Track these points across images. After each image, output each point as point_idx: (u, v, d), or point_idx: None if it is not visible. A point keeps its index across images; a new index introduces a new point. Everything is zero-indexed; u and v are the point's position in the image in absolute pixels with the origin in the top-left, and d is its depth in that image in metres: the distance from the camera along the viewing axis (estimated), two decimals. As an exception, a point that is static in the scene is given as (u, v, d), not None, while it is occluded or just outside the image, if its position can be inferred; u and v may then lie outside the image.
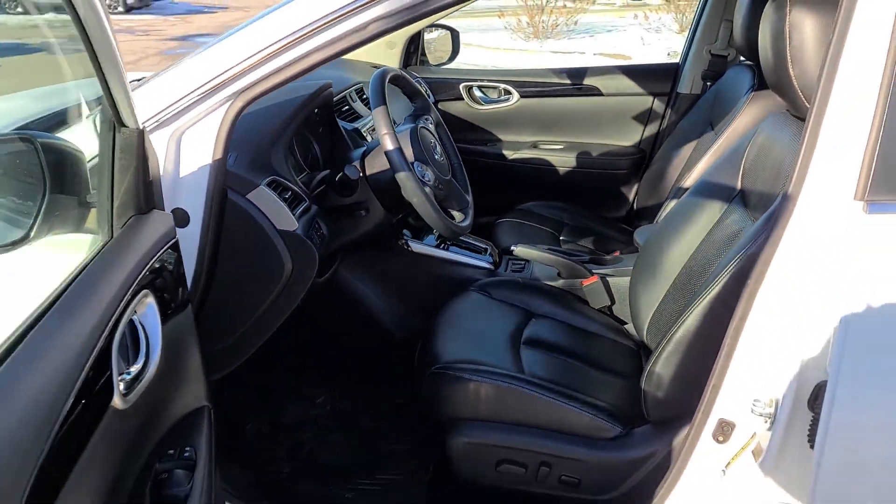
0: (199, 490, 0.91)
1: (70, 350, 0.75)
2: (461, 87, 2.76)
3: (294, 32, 1.24)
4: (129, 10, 19.68)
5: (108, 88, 0.98)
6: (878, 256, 1.06)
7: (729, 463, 1.28)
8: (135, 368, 0.90)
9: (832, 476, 1.11)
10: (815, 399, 1.13)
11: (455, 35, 2.93)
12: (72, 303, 0.81)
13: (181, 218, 1.28)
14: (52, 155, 1.06)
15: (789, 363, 1.14)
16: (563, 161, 2.74)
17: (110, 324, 0.83)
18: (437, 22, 2.86)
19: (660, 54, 9.76)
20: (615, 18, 14.04)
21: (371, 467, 1.79)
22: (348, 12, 1.23)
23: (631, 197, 2.72)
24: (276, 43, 1.24)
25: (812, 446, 1.11)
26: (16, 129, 1.34)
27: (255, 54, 1.24)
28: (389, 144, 1.56)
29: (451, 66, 2.99)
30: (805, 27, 1.31)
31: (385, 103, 1.59)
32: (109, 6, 19.19)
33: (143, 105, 1.27)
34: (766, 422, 1.19)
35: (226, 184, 1.32)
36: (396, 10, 1.23)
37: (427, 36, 2.88)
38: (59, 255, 1.08)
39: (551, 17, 11.65)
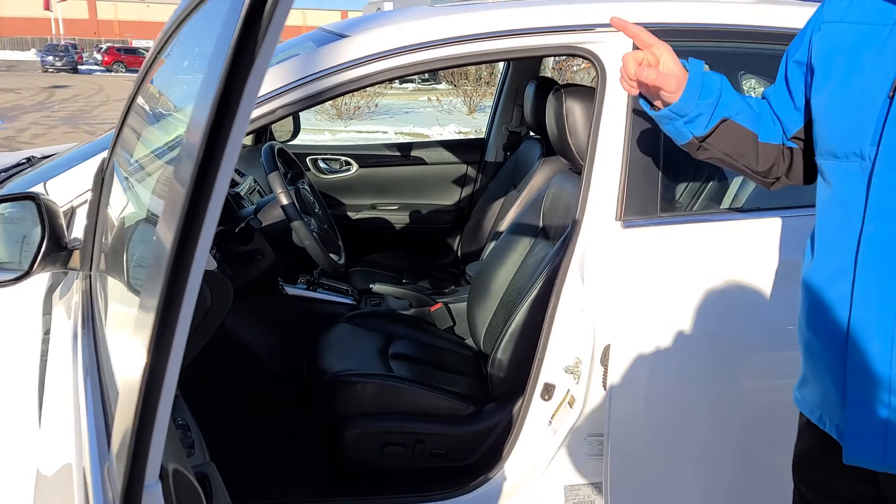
0: (199, 443, 1.24)
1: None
2: (307, 160, 3.20)
3: None
4: None
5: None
6: (631, 254, 1.65)
7: (553, 414, 1.78)
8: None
9: (619, 403, 1.65)
10: (604, 356, 1.67)
11: (296, 116, 3.37)
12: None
13: None
14: (48, 208, 1.37)
15: (586, 335, 1.67)
16: (399, 219, 3.26)
17: None
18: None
19: (451, 132, 10.83)
20: (411, 101, 15.18)
21: (274, 472, 2.07)
22: (263, 99, 1.64)
23: (455, 245, 3.29)
24: None
25: (605, 388, 1.65)
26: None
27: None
28: (285, 200, 1.96)
29: (294, 142, 3.43)
30: (576, 110, 1.96)
31: (278, 169, 2.00)
32: None
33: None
34: (575, 379, 1.71)
35: None
36: (298, 98, 1.66)
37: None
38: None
39: (353, 101, 12.42)
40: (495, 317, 2.14)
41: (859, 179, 1.05)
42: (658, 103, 1.23)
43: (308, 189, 2.25)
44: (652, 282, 1.63)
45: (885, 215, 1.02)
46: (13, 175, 1.93)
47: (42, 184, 1.56)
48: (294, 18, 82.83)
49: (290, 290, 2.36)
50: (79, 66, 38.63)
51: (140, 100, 1.42)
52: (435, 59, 1.69)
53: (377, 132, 11.19)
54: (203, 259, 0.57)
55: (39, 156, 2.31)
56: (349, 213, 3.22)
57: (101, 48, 45.16)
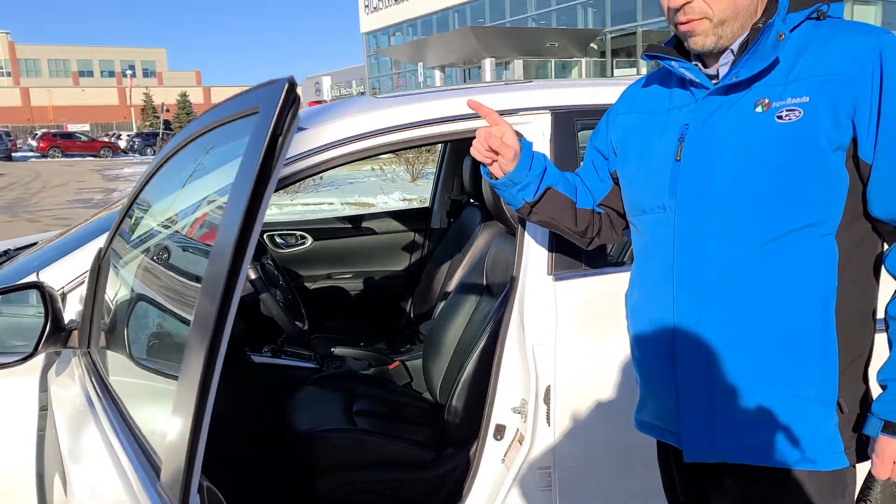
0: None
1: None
2: (265, 236, 3.41)
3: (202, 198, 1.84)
4: None
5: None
6: (562, 303, 1.89)
7: (506, 452, 1.97)
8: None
9: (562, 437, 1.86)
10: (546, 396, 1.89)
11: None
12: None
13: None
14: (49, 296, 1.55)
15: (530, 378, 1.88)
16: (354, 286, 3.47)
17: None
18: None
19: (396, 200, 11.15)
20: (354, 171, 15.49)
21: None
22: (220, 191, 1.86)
23: (408, 307, 3.51)
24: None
25: (549, 424, 1.87)
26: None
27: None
28: (253, 275, 2.17)
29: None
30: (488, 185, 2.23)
31: (244, 247, 2.20)
32: None
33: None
34: (522, 418, 1.91)
35: None
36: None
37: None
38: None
39: (298, 173, 12.62)
40: (449, 369, 2.35)
41: (666, 225, 1.33)
42: (497, 173, 1.48)
43: (271, 263, 2.46)
44: (581, 325, 1.86)
45: (689, 247, 1.30)
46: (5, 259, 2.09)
47: (35, 273, 1.73)
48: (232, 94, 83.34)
49: (257, 359, 2.53)
50: (13, 154, 38.01)
51: (138, 202, 1.63)
52: (380, 144, 1.93)
53: (323, 203, 11.43)
54: (226, 339, 0.80)
55: (13, 248, 2.47)
56: (307, 284, 3.42)
57: (36, 134, 44.57)
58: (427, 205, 3.70)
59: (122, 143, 41.18)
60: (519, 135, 1.48)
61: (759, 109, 1.24)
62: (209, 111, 1.31)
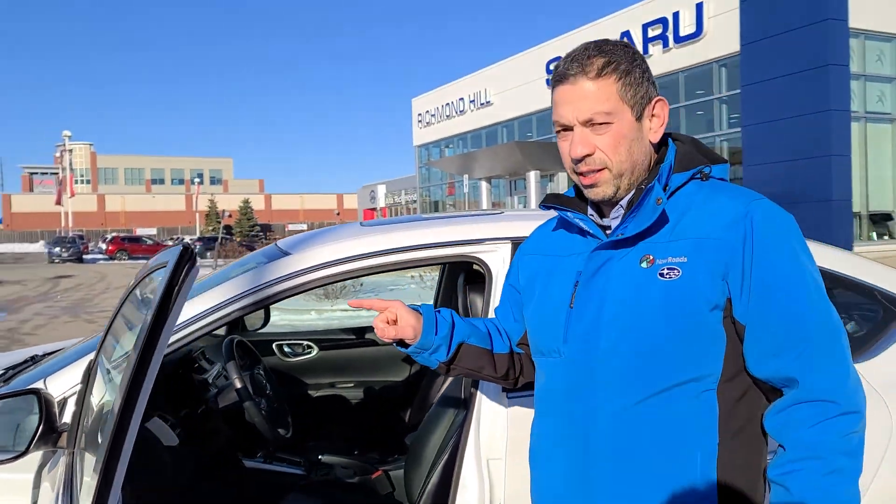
0: None
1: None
2: (273, 345, 3.65)
3: (186, 321, 2.06)
4: None
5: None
6: (513, 421, 2.03)
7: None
8: None
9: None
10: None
11: (266, 308, 3.86)
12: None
13: None
14: (45, 400, 1.78)
15: (484, 492, 2.00)
16: (355, 395, 3.64)
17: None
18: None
19: (436, 308, 11.35)
20: (398, 279, 15.86)
21: None
22: (220, 305, 2.09)
23: (406, 417, 3.65)
24: (182, 323, 2.05)
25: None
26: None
27: None
28: (238, 384, 2.37)
29: (264, 329, 3.90)
30: (476, 301, 2.42)
31: (234, 359, 2.43)
32: None
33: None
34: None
35: None
36: (248, 303, 2.11)
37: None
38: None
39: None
40: (427, 478, 2.47)
41: (560, 371, 1.39)
42: (408, 340, 1.50)
43: (262, 373, 2.68)
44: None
45: (580, 395, 1.34)
46: (19, 371, 2.36)
47: (42, 380, 1.98)
48: (292, 202, 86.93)
49: (249, 463, 2.70)
50: (84, 256, 40.09)
51: (120, 317, 1.88)
52: (360, 268, 2.16)
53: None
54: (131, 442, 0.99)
55: (42, 353, 2.74)
56: (310, 392, 3.62)
57: (107, 238, 47.05)
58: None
59: (185, 248, 42.84)
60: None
61: (644, 265, 1.30)
62: (152, 260, 1.57)
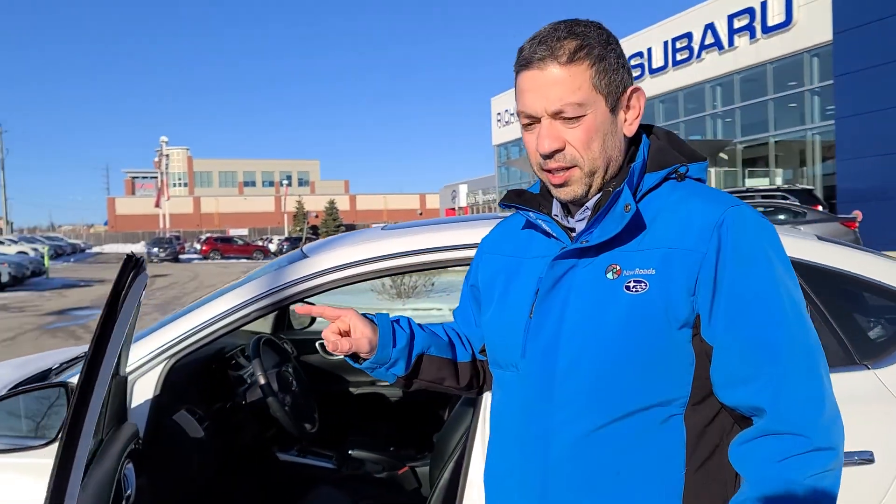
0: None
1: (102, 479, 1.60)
2: (317, 344, 3.78)
3: (208, 320, 2.21)
4: (2, 287, 19.89)
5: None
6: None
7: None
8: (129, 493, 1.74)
9: None
10: None
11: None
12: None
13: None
14: (73, 392, 1.95)
15: None
16: (394, 392, 3.74)
17: (117, 472, 1.68)
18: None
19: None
20: (470, 278, 15.91)
21: None
22: (241, 305, 2.21)
23: (445, 415, 3.71)
24: (197, 326, 2.20)
25: None
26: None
27: (183, 333, 2.19)
28: (262, 380, 2.51)
29: (313, 328, 4.06)
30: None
31: (259, 357, 2.57)
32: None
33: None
34: None
35: (160, 409, 2.19)
36: (268, 304, 2.23)
37: (291, 308, 3.93)
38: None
39: (411, 280, 13.27)
40: (440, 475, 2.54)
41: (517, 387, 1.25)
42: (363, 354, 1.34)
43: (290, 371, 2.81)
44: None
45: (538, 416, 1.21)
46: (72, 365, 2.57)
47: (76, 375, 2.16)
48: (376, 202, 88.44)
49: (282, 456, 2.85)
50: (180, 256, 42.12)
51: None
52: (376, 270, 2.25)
53: (433, 309, 11.89)
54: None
55: (83, 353, 2.97)
56: (351, 389, 3.74)
57: (201, 238, 49.24)
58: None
59: (273, 247, 44.61)
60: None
61: (610, 276, 1.17)
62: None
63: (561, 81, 1.16)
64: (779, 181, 23.82)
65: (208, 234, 52.73)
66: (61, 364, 2.68)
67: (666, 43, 27.09)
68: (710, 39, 25.09)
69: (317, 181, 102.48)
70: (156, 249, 40.31)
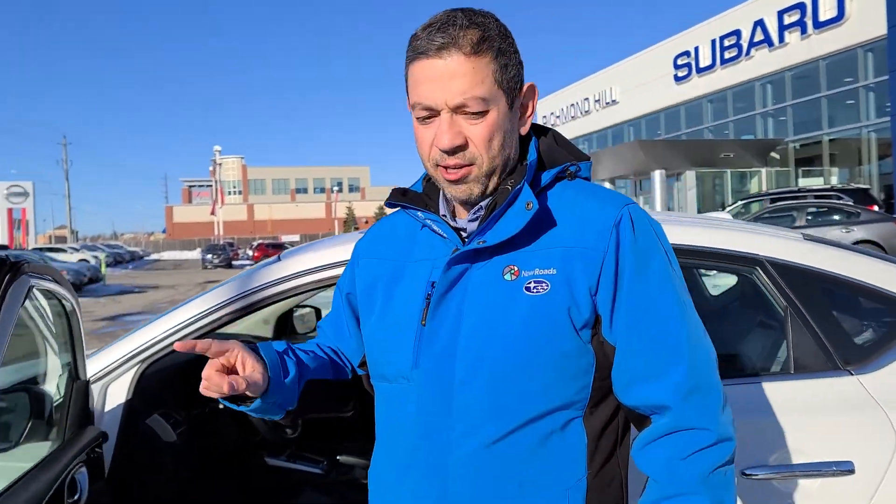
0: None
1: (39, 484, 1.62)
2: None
3: (179, 324, 2.23)
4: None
5: (74, 358, 1.96)
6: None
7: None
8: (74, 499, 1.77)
9: None
10: None
11: (318, 312, 4.03)
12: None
13: (103, 437, 2.16)
14: (35, 397, 2.00)
15: None
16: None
17: (65, 475, 1.71)
18: (303, 302, 3.94)
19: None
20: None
21: None
22: (212, 309, 2.23)
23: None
24: (168, 330, 2.23)
25: None
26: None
27: (153, 338, 2.22)
28: (237, 385, 2.53)
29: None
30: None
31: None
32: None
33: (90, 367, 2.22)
34: None
35: (132, 413, 2.22)
36: (238, 308, 2.23)
37: (296, 313, 3.94)
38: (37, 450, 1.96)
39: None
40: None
41: (408, 400, 1.16)
42: (250, 393, 1.13)
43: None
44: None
45: (433, 429, 1.13)
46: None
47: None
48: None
49: (270, 461, 2.86)
50: (233, 262, 43.08)
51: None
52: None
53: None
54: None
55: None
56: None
57: (253, 245, 50.29)
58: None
59: (322, 253, 45.03)
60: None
61: (508, 277, 1.13)
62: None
63: (464, 73, 1.10)
64: (834, 180, 23.04)
65: (260, 241, 53.78)
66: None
67: (714, 41, 26.51)
68: (759, 36, 24.46)
69: (367, 187, 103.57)
70: (210, 256, 41.31)
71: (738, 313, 2.85)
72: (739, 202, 18.34)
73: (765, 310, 2.33)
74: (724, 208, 19.43)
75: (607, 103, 32.97)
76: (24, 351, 1.97)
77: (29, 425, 1.94)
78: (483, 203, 1.19)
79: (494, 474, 1.11)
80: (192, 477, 2.46)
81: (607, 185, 27.83)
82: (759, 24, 24.31)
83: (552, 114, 37.66)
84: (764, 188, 23.29)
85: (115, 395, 2.20)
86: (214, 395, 1.11)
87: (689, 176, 23.17)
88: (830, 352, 2.08)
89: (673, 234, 2.19)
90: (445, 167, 1.15)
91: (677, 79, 28.43)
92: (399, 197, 1.27)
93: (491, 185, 1.17)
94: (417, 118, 1.16)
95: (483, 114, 1.12)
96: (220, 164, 59.89)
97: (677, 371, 1.11)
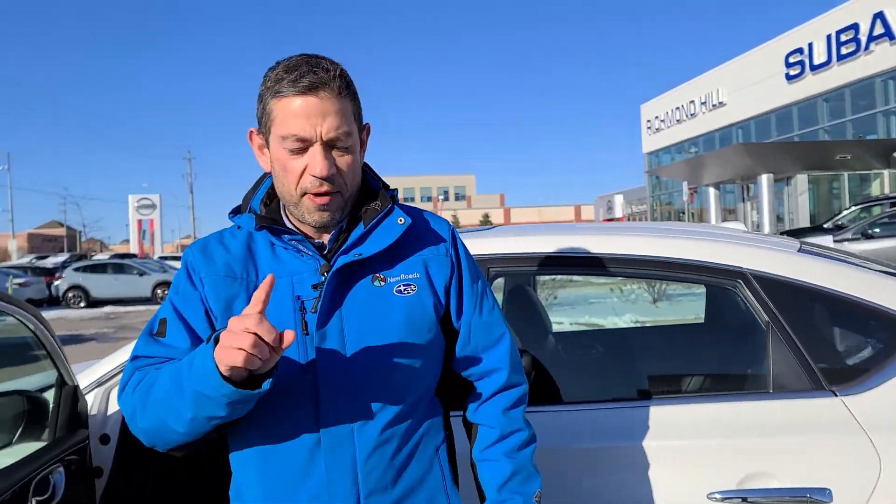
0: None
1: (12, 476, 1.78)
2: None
3: None
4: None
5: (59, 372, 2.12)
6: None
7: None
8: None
9: None
10: None
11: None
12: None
13: (105, 439, 2.32)
14: (31, 401, 2.17)
15: None
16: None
17: (35, 474, 1.85)
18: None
19: (626, 321, 11.01)
20: (595, 291, 15.53)
21: None
22: None
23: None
24: None
25: None
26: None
27: None
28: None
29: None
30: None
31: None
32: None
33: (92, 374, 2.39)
34: None
35: None
36: None
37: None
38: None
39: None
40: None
41: (301, 403, 1.28)
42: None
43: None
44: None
45: (330, 425, 1.29)
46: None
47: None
48: (530, 215, 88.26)
49: None
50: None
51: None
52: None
53: (554, 322, 11.72)
54: None
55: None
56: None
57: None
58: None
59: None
60: None
61: (377, 283, 1.32)
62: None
63: (335, 111, 1.25)
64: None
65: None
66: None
67: (829, 36, 24.93)
68: (879, 29, 22.79)
69: (473, 195, 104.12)
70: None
71: (717, 329, 2.70)
72: (854, 207, 17.17)
73: (745, 326, 2.21)
74: (839, 213, 18.20)
75: (714, 105, 31.70)
76: (22, 363, 2.15)
77: (23, 427, 2.11)
78: (344, 224, 1.36)
79: (391, 451, 1.30)
80: (187, 481, 2.59)
81: (712, 190, 26.73)
82: (879, 16, 22.67)
83: (657, 118, 36.62)
84: (886, 191, 21.67)
85: (116, 400, 2.35)
86: (258, 356, 1.08)
87: (801, 180, 21.89)
88: (814, 371, 1.96)
89: (652, 247, 2.11)
90: (316, 194, 1.28)
91: (789, 77, 26.94)
92: (266, 220, 1.34)
93: (346, 210, 1.35)
94: (289, 149, 1.27)
95: (348, 147, 1.29)
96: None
97: (503, 342, 1.46)
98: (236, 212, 1.40)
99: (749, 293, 2.06)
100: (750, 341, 2.18)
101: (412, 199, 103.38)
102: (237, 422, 1.23)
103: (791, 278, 2.06)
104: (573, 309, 13.29)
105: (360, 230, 1.33)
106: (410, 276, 1.35)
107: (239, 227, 1.38)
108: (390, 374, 1.30)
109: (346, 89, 1.27)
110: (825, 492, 1.82)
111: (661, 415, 1.95)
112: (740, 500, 1.84)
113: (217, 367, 1.10)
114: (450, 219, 73.83)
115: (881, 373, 1.94)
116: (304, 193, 1.28)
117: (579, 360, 3.19)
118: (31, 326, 2.09)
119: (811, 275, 2.06)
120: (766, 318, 2.02)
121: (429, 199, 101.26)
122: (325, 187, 1.27)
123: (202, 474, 2.66)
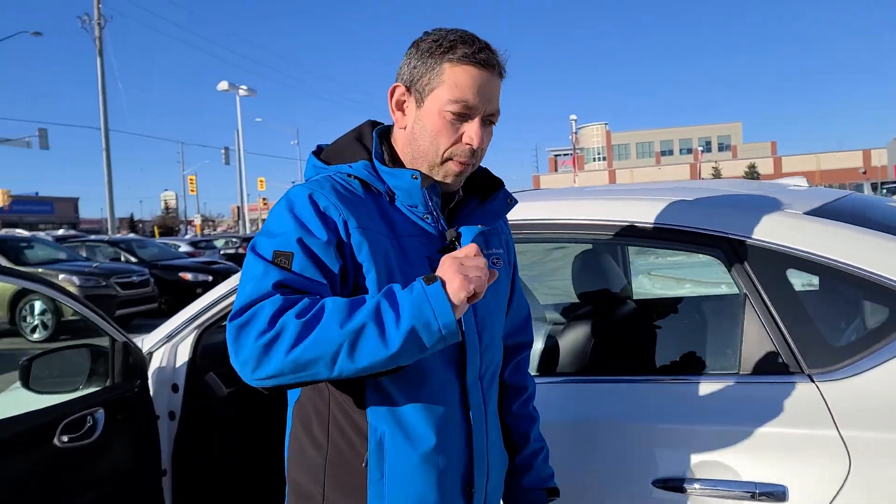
0: None
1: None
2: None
3: (229, 290, 2.65)
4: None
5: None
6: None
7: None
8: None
9: None
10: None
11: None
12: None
13: (175, 388, 2.70)
14: (95, 353, 2.59)
15: None
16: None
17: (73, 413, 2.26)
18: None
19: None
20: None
21: None
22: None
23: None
24: (220, 296, 2.66)
25: None
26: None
27: (207, 304, 2.67)
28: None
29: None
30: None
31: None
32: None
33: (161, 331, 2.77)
34: None
35: (194, 370, 2.71)
36: None
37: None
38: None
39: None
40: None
41: (447, 359, 1.40)
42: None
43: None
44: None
45: (473, 382, 1.43)
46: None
47: (142, 339, 2.81)
48: (806, 163, 78.72)
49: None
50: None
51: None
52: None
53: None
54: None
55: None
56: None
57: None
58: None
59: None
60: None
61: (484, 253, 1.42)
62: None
63: (498, 91, 1.33)
64: None
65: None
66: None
67: None
68: None
69: (738, 145, 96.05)
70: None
71: (687, 302, 2.28)
72: None
73: (720, 298, 1.91)
74: None
75: None
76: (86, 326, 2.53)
77: (88, 375, 2.54)
78: (438, 188, 1.35)
79: (495, 405, 1.51)
80: (235, 422, 2.88)
81: None
82: None
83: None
84: None
85: (181, 354, 2.70)
86: (482, 285, 1.15)
87: None
88: (792, 351, 1.69)
89: (620, 210, 1.89)
90: (461, 161, 1.31)
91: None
92: (414, 179, 1.32)
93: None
94: (453, 113, 1.28)
95: (492, 125, 1.36)
96: (575, 133, 61.37)
97: (529, 315, 1.69)
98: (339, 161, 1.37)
99: (727, 262, 1.80)
100: (726, 315, 1.91)
101: (670, 153, 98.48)
102: (393, 372, 1.20)
103: (779, 244, 1.77)
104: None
105: (474, 202, 1.44)
106: (499, 252, 1.51)
107: (376, 178, 1.35)
108: (498, 337, 1.49)
109: (504, 74, 1.34)
110: (780, 488, 1.58)
111: (608, 392, 1.82)
112: (683, 490, 1.66)
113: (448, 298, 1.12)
114: (709, 172, 68.99)
115: (870, 356, 1.60)
116: (450, 158, 1.31)
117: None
118: (68, 304, 2.50)
119: (806, 241, 1.76)
120: (744, 290, 1.76)
121: (689, 150, 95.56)
122: (470, 158, 1.31)
123: (259, 419, 2.97)
